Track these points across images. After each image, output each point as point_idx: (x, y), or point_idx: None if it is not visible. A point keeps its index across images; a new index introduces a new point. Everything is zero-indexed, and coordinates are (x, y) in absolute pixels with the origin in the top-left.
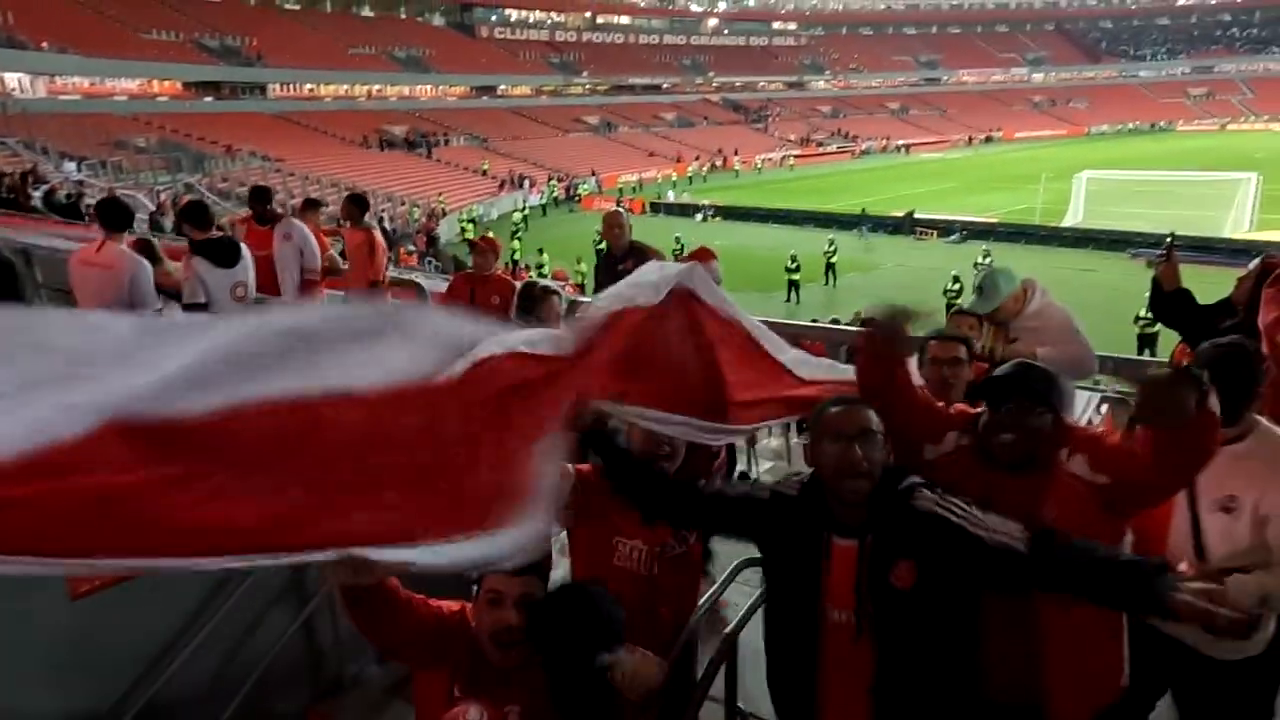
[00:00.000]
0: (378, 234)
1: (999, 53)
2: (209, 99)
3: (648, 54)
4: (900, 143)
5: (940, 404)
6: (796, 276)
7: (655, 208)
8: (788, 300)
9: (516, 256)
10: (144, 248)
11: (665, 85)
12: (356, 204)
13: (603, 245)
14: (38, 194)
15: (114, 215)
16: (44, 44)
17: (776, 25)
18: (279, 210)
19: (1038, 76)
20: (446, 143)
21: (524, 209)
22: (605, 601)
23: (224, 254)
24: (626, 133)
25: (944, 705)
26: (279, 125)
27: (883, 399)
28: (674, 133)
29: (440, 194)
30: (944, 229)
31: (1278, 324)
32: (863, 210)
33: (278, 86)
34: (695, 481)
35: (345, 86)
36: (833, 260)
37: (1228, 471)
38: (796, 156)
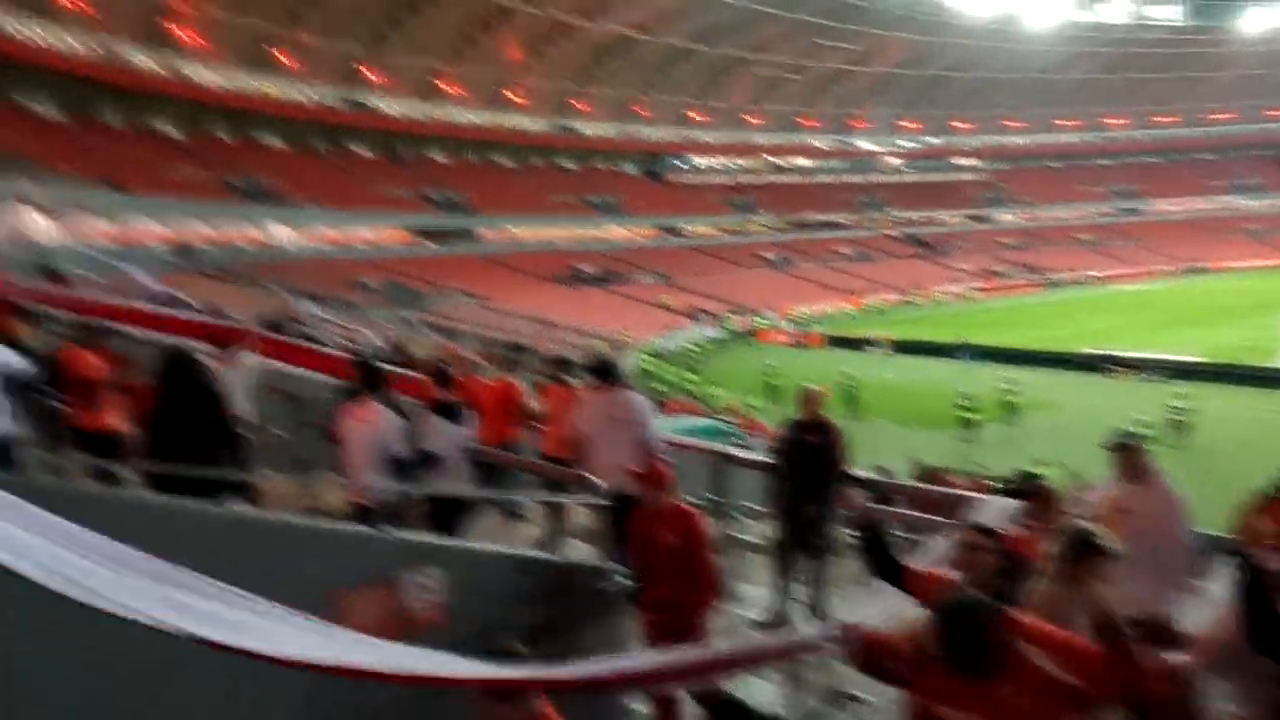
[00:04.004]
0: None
1: (1205, 180)
2: (431, 244)
3: (826, 192)
4: (1092, 274)
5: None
6: (971, 415)
7: (833, 341)
8: (961, 439)
9: (692, 389)
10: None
11: (843, 221)
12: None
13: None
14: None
15: (371, 378)
16: (301, 200)
17: (958, 161)
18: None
19: (1251, 204)
20: (633, 280)
21: (702, 342)
22: None
23: (453, 413)
24: (804, 267)
25: None
26: (487, 266)
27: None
28: (852, 266)
29: (625, 328)
30: (1137, 366)
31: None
32: (962, 338)
33: (488, 231)
34: None
35: (545, 229)
36: (1012, 399)
37: None
38: (979, 290)
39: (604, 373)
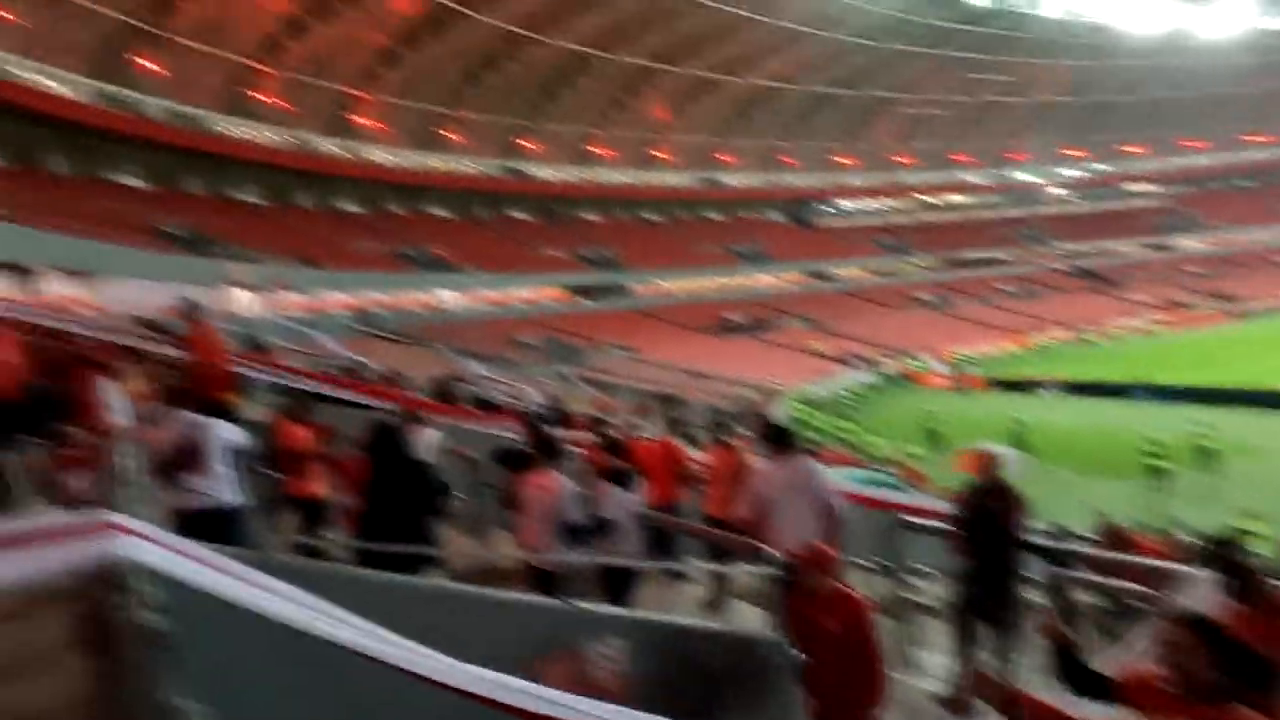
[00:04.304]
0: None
1: None
2: (585, 301)
3: (984, 228)
4: None
5: None
6: (1161, 462)
7: (997, 384)
8: (1151, 489)
9: (846, 437)
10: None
11: (1004, 257)
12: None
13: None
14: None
15: (548, 451)
16: (465, 265)
17: (1131, 187)
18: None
19: None
20: (782, 327)
21: (856, 388)
22: None
23: (625, 480)
24: (963, 307)
25: None
26: (638, 319)
27: None
28: (1015, 304)
29: (775, 376)
30: None
31: None
32: (1143, 377)
33: (638, 285)
34: None
35: (693, 281)
36: (1208, 443)
37: None
38: (1161, 322)
39: (780, 439)
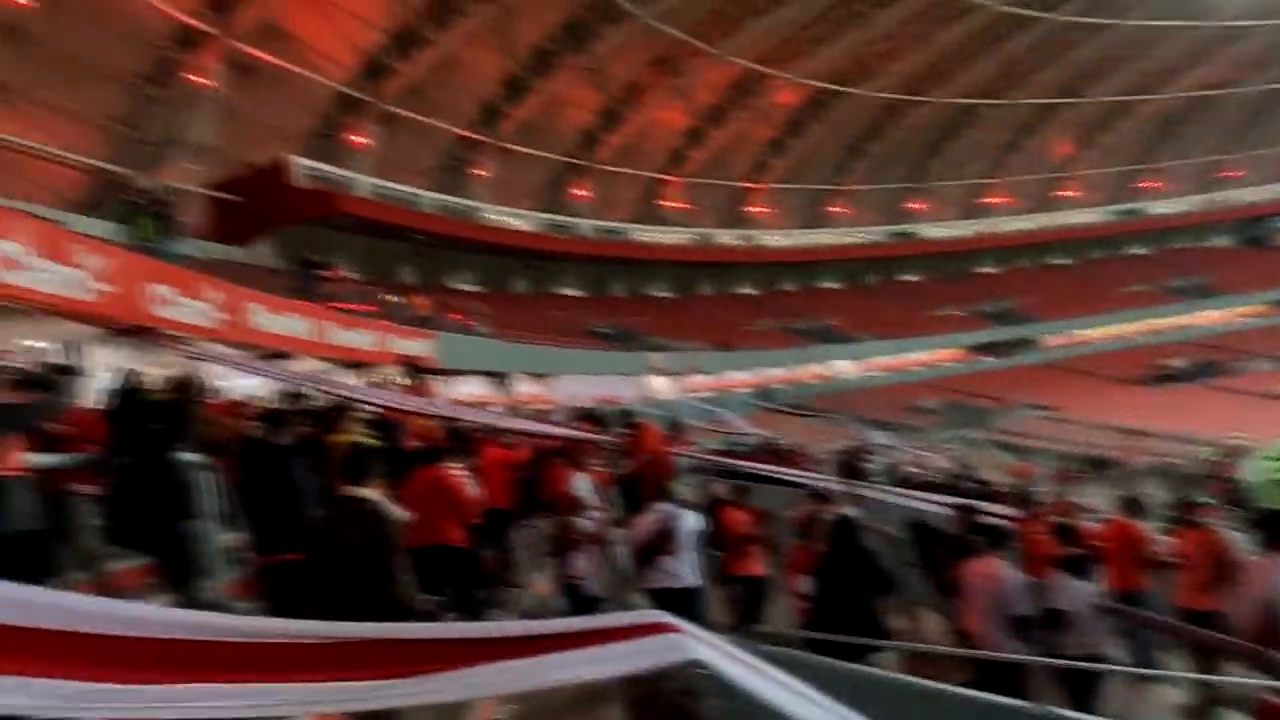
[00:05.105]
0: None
1: None
2: (988, 359)
3: None
4: None
5: None
6: None
7: None
8: None
9: None
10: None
11: None
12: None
13: None
14: (873, 467)
15: (991, 538)
16: (858, 334)
17: None
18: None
19: None
20: (1242, 370)
21: None
22: None
23: (1079, 567)
24: None
25: None
26: (1052, 374)
27: None
28: None
29: (1238, 428)
30: None
31: None
32: None
33: (1050, 337)
34: None
35: (1117, 326)
36: None
37: None
38: None
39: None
